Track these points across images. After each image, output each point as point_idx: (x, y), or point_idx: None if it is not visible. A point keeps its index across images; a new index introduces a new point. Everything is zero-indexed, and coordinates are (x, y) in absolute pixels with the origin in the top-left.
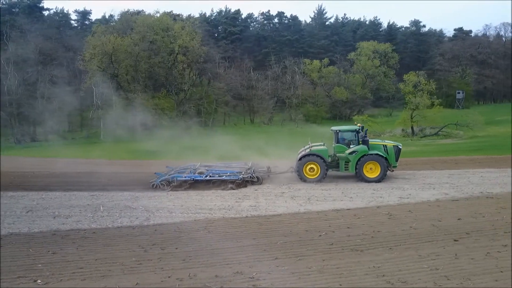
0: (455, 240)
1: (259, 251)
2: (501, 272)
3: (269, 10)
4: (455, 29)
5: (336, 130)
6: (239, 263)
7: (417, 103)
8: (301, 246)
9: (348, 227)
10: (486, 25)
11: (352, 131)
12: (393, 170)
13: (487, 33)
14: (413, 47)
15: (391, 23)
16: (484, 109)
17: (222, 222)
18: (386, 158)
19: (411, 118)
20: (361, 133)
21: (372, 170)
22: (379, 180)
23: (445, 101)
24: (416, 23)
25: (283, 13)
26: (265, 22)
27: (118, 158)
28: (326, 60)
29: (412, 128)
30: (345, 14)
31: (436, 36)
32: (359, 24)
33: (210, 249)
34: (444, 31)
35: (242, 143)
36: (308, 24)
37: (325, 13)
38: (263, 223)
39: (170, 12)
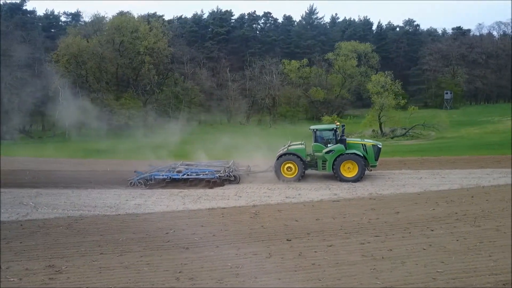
0: (287, 240)
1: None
2: (295, 271)
3: (255, 11)
4: (453, 28)
5: (314, 129)
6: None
7: (382, 104)
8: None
9: (188, 225)
10: (479, 24)
11: (329, 130)
12: (371, 170)
13: (480, 32)
14: (406, 47)
15: (380, 22)
16: (474, 109)
17: (90, 219)
18: (364, 158)
19: (379, 119)
20: (338, 132)
21: (350, 170)
22: (356, 179)
23: (434, 102)
24: (410, 22)
25: (269, 13)
26: (251, 22)
27: (67, 157)
28: (305, 61)
29: (381, 128)
30: (336, 14)
31: (432, 35)
32: (349, 24)
33: (47, 245)
34: (444, 31)
35: (204, 142)
36: (298, 24)
37: (317, 12)
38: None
39: (142, 14)
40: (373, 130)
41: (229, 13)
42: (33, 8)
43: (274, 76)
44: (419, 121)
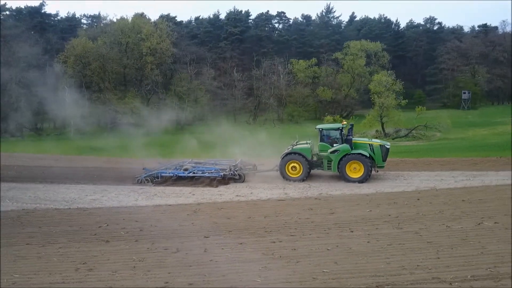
0: (205, 237)
1: None
2: (189, 266)
3: (268, 11)
4: (479, 26)
5: (320, 128)
6: None
7: (381, 104)
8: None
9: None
10: (503, 21)
11: (335, 129)
12: (377, 171)
13: (503, 30)
14: (426, 45)
15: (398, 20)
16: (494, 110)
17: (41, 213)
18: (371, 158)
19: (381, 119)
20: (344, 132)
21: (356, 170)
22: (362, 180)
23: (452, 102)
24: (431, 19)
25: (283, 13)
26: (264, 22)
27: (63, 153)
28: (314, 60)
29: (383, 129)
30: (353, 13)
31: (456, 33)
32: (365, 22)
33: None
34: (472, 28)
35: (202, 141)
36: (312, 23)
37: (334, 11)
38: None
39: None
40: (377, 131)
41: (246, 13)
42: (57, 11)
43: (281, 75)
44: (427, 121)
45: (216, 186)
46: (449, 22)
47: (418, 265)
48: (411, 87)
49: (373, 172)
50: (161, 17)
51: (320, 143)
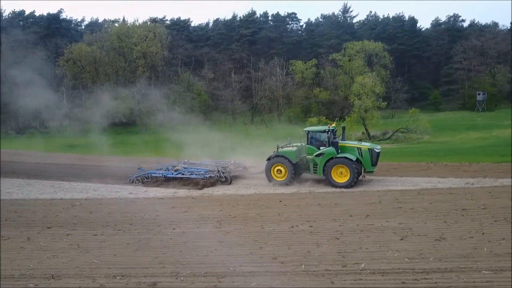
0: (93, 232)
1: None
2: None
3: (278, 12)
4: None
5: (307, 131)
6: None
7: (359, 106)
8: None
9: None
10: None
11: (321, 132)
12: (364, 176)
13: None
14: (447, 44)
15: (416, 18)
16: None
17: None
18: (359, 162)
19: (363, 121)
20: (330, 135)
21: (342, 175)
22: (348, 185)
23: (467, 103)
24: (455, 17)
25: (294, 13)
26: (274, 23)
27: (46, 151)
28: (314, 61)
29: (367, 131)
30: (370, 12)
31: (485, 30)
32: (379, 21)
33: None
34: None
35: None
36: (322, 23)
37: (351, 11)
38: None
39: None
40: (363, 133)
41: (264, 15)
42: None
43: (279, 76)
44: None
45: (201, 188)
46: (482, 19)
47: None
48: (430, 88)
49: (364, 177)
50: (154, 21)
51: (307, 145)
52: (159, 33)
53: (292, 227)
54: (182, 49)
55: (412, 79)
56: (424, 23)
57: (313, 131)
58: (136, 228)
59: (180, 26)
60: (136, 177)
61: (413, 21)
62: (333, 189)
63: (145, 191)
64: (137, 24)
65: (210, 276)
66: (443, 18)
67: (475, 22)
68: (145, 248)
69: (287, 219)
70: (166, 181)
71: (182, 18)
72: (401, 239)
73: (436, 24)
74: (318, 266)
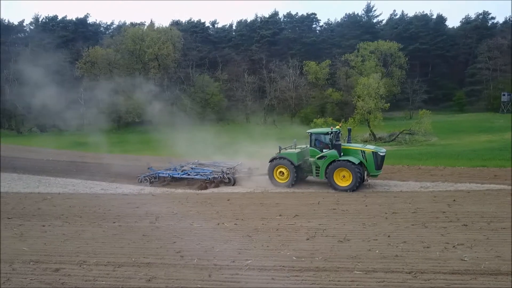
0: (43, 223)
1: None
2: None
3: (297, 12)
4: None
5: (309, 133)
6: None
7: (362, 107)
8: None
9: None
10: None
11: (324, 133)
12: (367, 180)
13: None
14: (474, 43)
15: (444, 16)
16: None
17: None
18: (362, 165)
19: (368, 123)
20: (330, 137)
21: (345, 178)
22: (350, 189)
23: (492, 105)
24: (484, 14)
25: (314, 14)
26: (293, 24)
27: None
28: (328, 61)
29: (372, 133)
30: (394, 11)
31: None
32: (403, 20)
33: None
34: None
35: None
36: (342, 23)
37: (374, 10)
38: None
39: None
40: (369, 134)
41: (288, 15)
42: (112, 21)
43: (292, 77)
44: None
45: (202, 189)
46: None
47: None
48: (456, 88)
49: (367, 181)
50: (177, 23)
51: (311, 148)
52: (172, 35)
53: (218, 224)
54: (196, 51)
55: (435, 79)
56: (453, 22)
57: (316, 133)
58: (81, 221)
59: (199, 29)
60: (144, 177)
61: (441, 19)
62: (287, 190)
63: (116, 188)
64: (155, 28)
65: (110, 266)
66: (473, 16)
67: (508, 19)
68: (74, 239)
69: (220, 217)
70: (173, 181)
71: (209, 20)
72: (307, 239)
73: (465, 22)
74: (210, 261)
